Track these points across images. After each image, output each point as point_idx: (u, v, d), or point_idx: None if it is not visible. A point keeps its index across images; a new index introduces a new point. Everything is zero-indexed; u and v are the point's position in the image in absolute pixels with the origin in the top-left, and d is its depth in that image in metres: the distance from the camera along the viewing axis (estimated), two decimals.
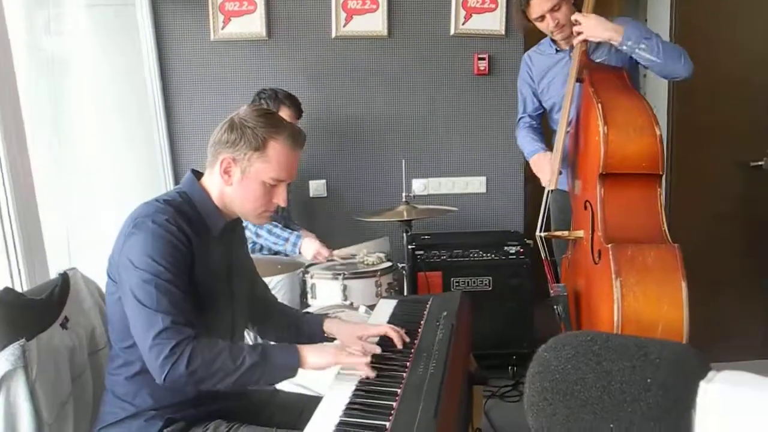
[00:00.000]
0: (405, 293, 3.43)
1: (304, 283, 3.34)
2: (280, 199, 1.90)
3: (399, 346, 1.91)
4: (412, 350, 1.90)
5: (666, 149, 4.16)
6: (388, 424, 1.48)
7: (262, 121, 1.82)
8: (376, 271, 3.28)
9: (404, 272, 3.48)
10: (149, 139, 3.91)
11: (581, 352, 0.95)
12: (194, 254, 1.76)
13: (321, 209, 4.14)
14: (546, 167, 3.07)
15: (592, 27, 2.82)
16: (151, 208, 1.77)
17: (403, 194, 3.36)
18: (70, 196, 3.57)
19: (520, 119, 3.40)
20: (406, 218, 3.30)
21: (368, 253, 3.41)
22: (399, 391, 1.64)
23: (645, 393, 0.90)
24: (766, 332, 3.44)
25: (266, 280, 3.18)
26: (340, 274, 3.19)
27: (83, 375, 2.00)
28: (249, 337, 2.53)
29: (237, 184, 1.84)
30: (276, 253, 3.53)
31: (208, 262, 1.83)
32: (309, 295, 3.29)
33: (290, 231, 3.43)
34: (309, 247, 3.40)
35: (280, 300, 3.23)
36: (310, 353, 1.76)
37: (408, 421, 1.48)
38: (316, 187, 4.16)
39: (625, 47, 2.80)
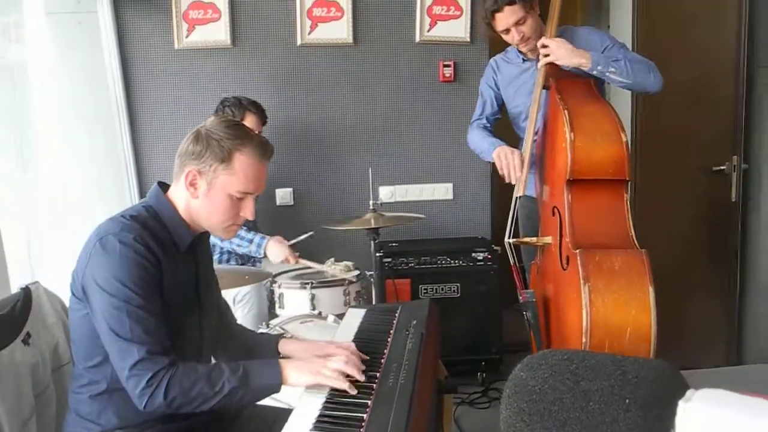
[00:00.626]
0: (374, 301, 3.42)
1: (271, 293, 3.31)
2: (248, 212, 1.86)
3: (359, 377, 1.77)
4: (382, 360, 1.88)
5: (632, 156, 4.24)
6: None
7: (229, 132, 1.79)
8: (344, 279, 3.26)
9: (372, 280, 3.47)
10: (113, 149, 3.86)
11: (558, 372, 0.94)
12: (162, 271, 1.73)
13: (288, 218, 4.11)
14: (515, 158, 3.00)
15: (561, 54, 2.83)
16: (117, 225, 1.73)
17: (370, 202, 3.35)
18: (32, 207, 3.51)
19: (475, 120, 3.37)
20: (373, 226, 3.30)
21: (335, 262, 3.39)
22: (369, 402, 1.63)
23: (624, 413, 0.90)
24: (729, 336, 3.48)
25: (233, 291, 3.20)
26: (308, 284, 3.17)
27: (46, 391, 1.96)
28: None
29: (203, 196, 1.81)
30: (243, 263, 3.51)
31: (177, 277, 1.79)
32: (277, 305, 3.26)
33: (254, 233, 3.39)
34: (277, 251, 3.32)
35: (248, 311, 3.26)
36: (292, 371, 1.72)
37: None
38: (283, 196, 4.13)
39: (595, 72, 2.82)
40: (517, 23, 2.94)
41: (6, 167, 3.41)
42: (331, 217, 3.92)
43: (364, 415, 1.56)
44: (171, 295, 1.76)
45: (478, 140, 3.29)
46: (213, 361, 2.09)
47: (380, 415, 1.54)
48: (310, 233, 3.52)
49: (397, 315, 2.28)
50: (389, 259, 3.74)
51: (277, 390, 1.74)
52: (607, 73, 2.81)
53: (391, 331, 2.12)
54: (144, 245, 1.69)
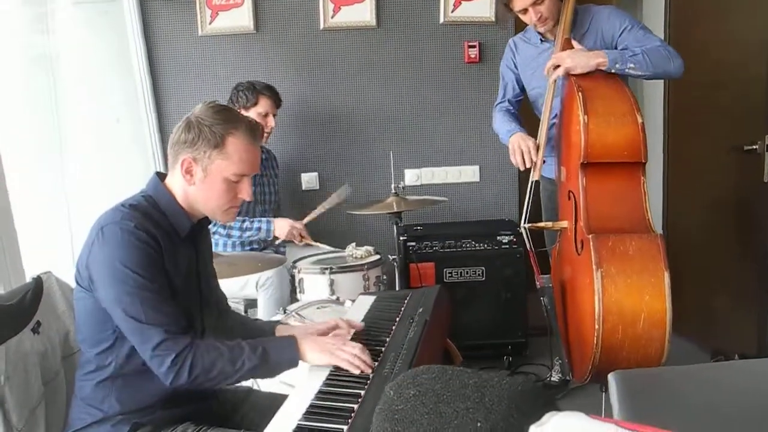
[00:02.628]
0: (397, 286, 3.42)
1: (293, 278, 3.34)
2: (245, 194, 1.89)
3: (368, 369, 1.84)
4: (383, 349, 1.89)
5: (663, 136, 4.17)
6: (345, 428, 1.48)
7: (219, 117, 1.81)
8: (364, 264, 3.27)
9: (395, 264, 3.47)
10: (140, 136, 3.91)
11: (423, 392, 0.93)
12: (164, 257, 1.76)
13: (313, 202, 4.11)
14: (522, 146, 3.01)
15: (575, 63, 2.76)
16: (118, 214, 1.76)
17: (392, 186, 3.35)
18: (73, 194, 3.59)
19: (498, 103, 3.35)
20: (395, 210, 3.29)
21: (356, 247, 3.40)
22: (362, 392, 1.64)
23: None
24: (760, 323, 3.39)
25: (255, 276, 3.23)
26: (327, 269, 3.18)
27: (56, 379, 2.00)
28: None
29: (200, 183, 1.83)
30: (264, 248, 3.55)
31: (178, 264, 1.82)
32: (297, 290, 3.29)
33: (258, 219, 3.46)
34: (282, 226, 3.44)
35: (270, 295, 3.29)
36: (309, 349, 1.80)
37: (365, 426, 1.46)
38: (308, 180, 4.16)
39: (613, 70, 2.75)
40: (534, 3, 2.88)
41: (45, 153, 3.50)
42: (356, 201, 3.92)
43: (355, 406, 1.57)
44: (174, 280, 1.79)
45: (500, 125, 3.27)
46: None
47: (369, 407, 1.53)
48: (345, 188, 3.61)
49: (405, 302, 2.28)
50: (413, 243, 3.73)
51: (295, 365, 1.81)
52: (627, 70, 2.74)
53: (397, 319, 2.13)
54: (145, 231, 1.73)
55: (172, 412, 1.84)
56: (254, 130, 1.86)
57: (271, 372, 1.82)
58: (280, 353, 1.78)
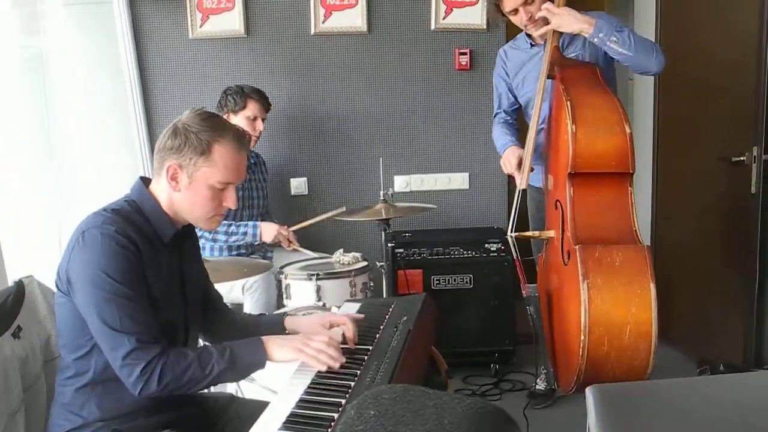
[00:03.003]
0: (384, 293, 3.41)
1: (279, 283, 3.33)
2: (230, 202, 1.88)
3: (352, 337, 1.96)
4: (366, 357, 1.88)
5: (652, 146, 4.18)
6: None
7: (206, 124, 1.80)
8: (351, 271, 3.26)
9: (383, 271, 3.46)
10: (129, 139, 3.89)
11: (382, 413, 0.92)
12: (144, 263, 1.75)
13: (302, 207, 4.12)
14: (511, 160, 3.04)
15: (564, 18, 2.78)
16: (99, 218, 1.76)
17: (381, 192, 3.34)
18: (60, 195, 3.57)
19: (495, 115, 3.36)
20: (384, 217, 3.29)
21: (344, 253, 3.39)
22: (343, 402, 1.62)
23: None
24: (746, 333, 3.40)
25: (241, 281, 3.22)
26: (314, 275, 3.17)
27: (37, 384, 1.98)
28: None
29: (185, 189, 1.83)
30: (251, 253, 3.53)
31: (160, 270, 1.82)
32: (284, 296, 3.28)
33: (245, 224, 3.45)
34: (269, 230, 3.43)
35: (256, 300, 3.28)
36: (275, 348, 1.81)
37: None
38: (297, 185, 4.15)
39: (596, 39, 2.76)
40: (525, 2, 2.88)
41: (35, 155, 3.49)
42: (346, 206, 3.90)
43: (335, 415, 1.56)
44: (154, 286, 1.78)
45: (495, 139, 3.30)
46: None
47: None
48: (343, 209, 3.56)
49: (390, 310, 2.27)
50: (401, 250, 3.72)
51: (263, 366, 1.81)
52: (608, 42, 2.74)
53: (381, 327, 2.11)
54: (125, 237, 1.72)
55: (153, 420, 1.82)
56: (241, 138, 1.85)
57: (241, 374, 1.84)
58: (247, 355, 1.79)
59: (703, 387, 1.44)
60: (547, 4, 2.84)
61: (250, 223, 3.45)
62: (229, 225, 3.41)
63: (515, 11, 2.93)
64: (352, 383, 1.72)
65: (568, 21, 2.77)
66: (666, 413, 1.33)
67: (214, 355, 1.74)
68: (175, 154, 1.80)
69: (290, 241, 3.57)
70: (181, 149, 1.79)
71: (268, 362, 1.81)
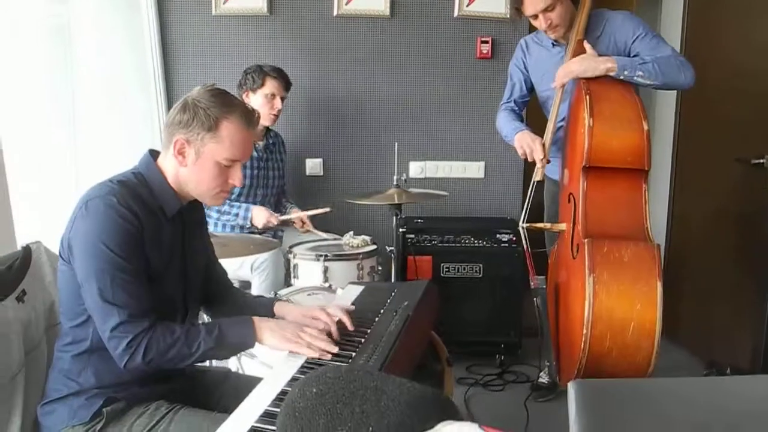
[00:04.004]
0: (393, 277, 3.41)
1: (288, 262, 3.34)
2: (236, 179, 1.89)
3: (350, 327, 1.96)
4: (362, 340, 1.89)
5: (672, 144, 4.14)
6: None
7: (215, 101, 1.80)
8: (359, 254, 3.27)
9: (393, 256, 3.46)
10: (149, 112, 3.91)
11: (324, 392, 0.92)
12: (146, 237, 1.76)
13: (316, 188, 4.13)
14: (527, 148, 3.00)
15: (586, 68, 2.75)
16: (104, 188, 1.77)
17: (395, 177, 3.33)
18: (83, 167, 3.60)
19: (503, 104, 3.32)
20: (396, 202, 3.28)
21: (354, 235, 3.40)
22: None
23: None
24: (756, 337, 3.36)
25: (251, 258, 3.23)
26: (322, 256, 3.18)
27: (38, 348, 1.99)
28: None
29: (191, 165, 1.83)
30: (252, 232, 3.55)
31: (161, 243, 1.82)
32: (292, 275, 3.29)
33: (238, 205, 3.45)
34: (259, 216, 3.42)
35: (264, 279, 3.29)
36: (266, 333, 1.84)
37: None
38: (312, 166, 4.15)
39: (621, 77, 2.72)
40: (545, 10, 2.85)
41: (57, 124, 3.51)
42: (359, 190, 3.92)
43: None
44: (154, 259, 1.79)
45: (503, 124, 3.25)
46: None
47: None
48: (327, 209, 3.55)
49: (392, 294, 2.27)
50: (412, 236, 3.73)
51: (251, 346, 1.86)
52: (635, 78, 2.71)
53: (381, 311, 2.12)
54: (127, 208, 1.73)
55: (148, 390, 1.84)
56: (249, 116, 1.85)
57: (229, 352, 1.88)
58: (236, 336, 1.82)
59: (686, 388, 1.42)
60: (560, 72, 2.84)
61: (243, 205, 3.44)
62: (223, 203, 3.42)
63: (535, 16, 2.91)
64: (346, 365, 1.73)
65: (590, 66, 2.74)
66: (647, 412, 1.32)
67: (201, 333, 1.77)
68: (184, 128, 1.80)
69: (304, 222, 3.59)
70: (190, 124, 1.79)
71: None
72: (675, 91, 4.08)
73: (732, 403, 1.35)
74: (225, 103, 1.82)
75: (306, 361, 1.76)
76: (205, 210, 3.30)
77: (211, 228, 3.48)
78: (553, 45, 3.07)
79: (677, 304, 4.13)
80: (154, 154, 1.91)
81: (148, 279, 1.77)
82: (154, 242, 1.79)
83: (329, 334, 1.90)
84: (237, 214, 3.42)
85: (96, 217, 1.71)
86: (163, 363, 1.73)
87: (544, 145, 2.93)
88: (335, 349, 1.81)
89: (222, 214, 3.42)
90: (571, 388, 1.36)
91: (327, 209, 3.53)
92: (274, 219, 3.43)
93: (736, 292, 3.58)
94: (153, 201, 1.83)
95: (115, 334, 1.69)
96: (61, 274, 1.83)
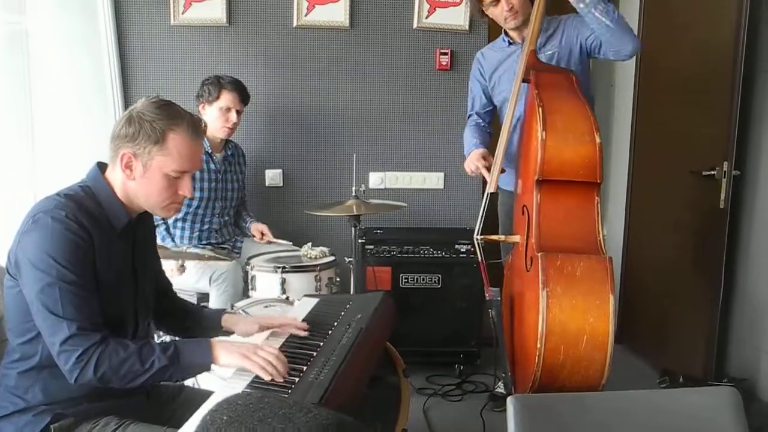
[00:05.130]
0: (352, 288, 3.41)
1: (246, 274, 3.33)
2: (186, 190, 1.87)
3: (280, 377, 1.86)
4: (314, 354, 1.88)
5: (629, 157, 4.20)
6: None
7: (160, 113, 1.79)
8: (317, 265, 3.26)
9: (352, 267, 3.46)
10: (107, 123, 3.86)
11: (233, 420, 0.93)
12: (96, 251, 1.74)
13: (276, 199, 4.12)
14: (474, 161, 3.07)
15: None
16: (51, 203, 1.75)
17: (353, 188, 3.34)
18: (41, 177, 3.57)
19: (468, 116, 3.37)
20: (354, 213, 3.28)
21: (312, 247, 3.40)
22: (285, 396, 1.62)
23: None
24: (709, 345, 3.42)
25: (209, 270, 3.21)
26: (279, 267, 3.17)
27: None
28: None
29: (140, 178, 1.82)
30: (222, 242, 3.54)
31: (110, 258, 1.80)
32: (249, 287, 3.28)
33: None
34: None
35: (223, 291, 3.27)
36: (222, 352, 1.80)
37: None
38: (272, 177, 4.14)
39: (582, 5, 2.74)
40: None
41: (17, 135, 3.48)
42: (319, 200, 3.92)
43: None
44: (104, 275, 1.77)
45: (466, 141, 3.30)
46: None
47: None
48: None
49: (347, 307, 2.27)
50: (371, 246, 3.73)
51: (207, 369, 1.81)
52: (594, 10, 2.73)
53: (335, 324, 2.12)
54: (76, 222, 1.71)
55: (97, 406, 1.81)
56: (196, 127, 1.84)
57: (184, 373, 1.79)
58: (192, 355, 1.77)
59: (626, 401, 1.45)
60: None
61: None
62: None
63: (496, 2, 2.94)
64: (297, 379, 1.73)
65: None
66: (586, 425, 1.34)
67: (156, 351, 1.73)
68: (130, 142, 1.79)
69: (263, 234, 3.59)
70: (136, 138, 1.78)
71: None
72: (631, 104, 4.15)
73: (669, 416, 1.37)
74: (171, 115, 1.80)
75: (257, 376, 1.75)
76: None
77: (183, 241, 3.47)
78: (509, 44, 3.12)
79: (634, 314, 4.19)
80: (102, 166, 1.89)
81: (99, 294, 1.74)
82: (104, 256, 1.77)
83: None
84: None
85: (44, 231, 1.68)
86: (116, 379, 1.69)
87: (486, 157, 3.01)
88: (285, 372, 1.77)
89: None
90: (510, 404, 1.37)
91: (290, 242, 3.57)
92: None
93: (689, 302, 3.64)
94: (101, 214, 1.81)
95: (65, 348, 1.65)
96: (7, 290, 1.80)
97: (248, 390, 1.69)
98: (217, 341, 1.83)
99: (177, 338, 2.06)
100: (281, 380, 1.74)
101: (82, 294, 1.68)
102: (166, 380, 1.77)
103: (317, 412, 0.93)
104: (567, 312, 2.42)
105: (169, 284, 2.20)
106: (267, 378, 1.74)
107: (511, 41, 3.12)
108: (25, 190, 3.46)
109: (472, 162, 3.09)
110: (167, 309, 2.15)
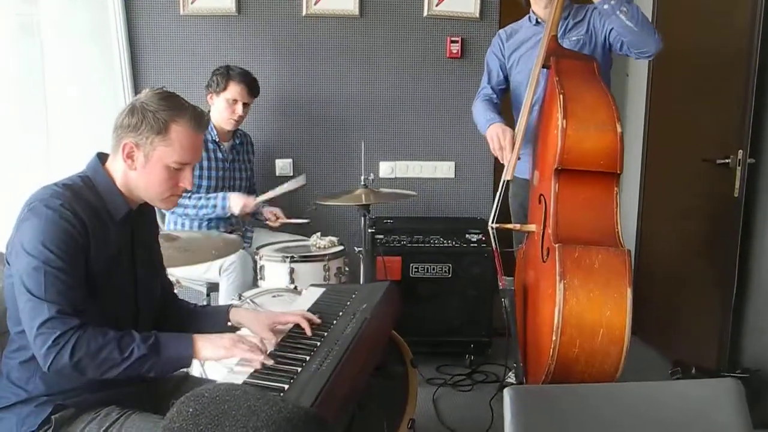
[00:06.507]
0: (361, 278, 3.39)
1: (256, 263, 3.31)
2: (186, 182, 1.86)
3: (308, 333, 1.93)
4: (318, 344, 1.87)
5: (642, 146, 4.15)
6: None
7: (164, 104, 1.79)
8: (325, 255, 3.24)
9: (361, 256, 3.43)
10: (116, 114, 3.86)
11: (199, 412, 0.92)
12: (90, 240, 1.73)
13: None
14: (506, 138, 2.97)
15: None
16: (48, 192, 1.74)
17: (362, 177, 3.31)
18: (48, 165, 3.59)
19: (480, 91, 3.32)
20: (363, 202, 3.26)
21: (321, 236, 3.37)
22: (286, 387, 1.60)
23: None
24: (722, 336, 3.37)
25: (218, 261, 3.19)
26: (288, 257, 3.15)
27: None
28: None
29: (141, 168, 1.81)
30: (232, 230, 3.51)
31: (108, 248, 1.79)
32: (258, 277, 3.26)
33: (214, 196, 3.42)
34: (236, 201, 3.39)
35: (232, 281, 3.26)
36: (204, 345, 1.78)
37: None
38: (282, 166, 4.12)
39: (606, 6, 2.72)
40: None
41: (32, 125, 3.50)
42: (330, 190, 3.90)
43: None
44: (101, 265, 1.76)
45: (478, 114, 3.25)
46: None
47: (293, 401, 1.52)
48: (307, 220, 3.57)
49: (352, 297, 2.25)
50: (381, 236, 3.71)
51: (188, 363, 1.82)
52: (618, 12, 2.71)
53: (340, 313, 2.10)
54: (71, 211, 1.70)
55: (98, 396, 1.80)
56: (199, 118, 1.83)
57: (164, 366, 1.74)
58: (172, 348, 1.74)
59: (623, 393, 1.42)
60: None
61: (219, 194, 3.41)
62: (199, 198, 3.38)
63: None
64: (299, 369, 1.71)
65: None
66: (583, 417, 1.31)
67: (136, 340, 1.70)
68: (132, 132, 1.78)
69: (277, 217, 3.56)
70: (138, 128, 1.77)
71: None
72: (644, 93, 4.10)
73: (666, 409, 1.35)
74: (174, 107, 1.80)
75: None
76: (183, 207, 3.30)
77: (192, 226, 3.46)
78: (537, 23, 3.10)
79: (647, 304, 4.13)
80: (102, 157, 1.88)
81: (96, 285, 1.74)
82: (101, 245, 1.75)
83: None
84: (215, 206, 3.39)
85: (38, 218, 1.67)
86: (93, 367, 1.65)
87: (514, 139, 2.92)
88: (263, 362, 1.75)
89: (199, 208, 3.38)
90: (507, 395, 1.35)
91: (303, 176, 3.49)
92: (251, 202, 3.41)
93: (703, 293, 3.59)
94: (100, 204, 1.80)
95: (42, 331, 1.62)
96: (7, 278, 1.78)
97: (241, 381, 1.66)
98: (199, 336, 1.80)
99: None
100: (259, 366, 1.73)
101: (68, 281, 1.66)
102: (144, 373, 1.72)
103: (283, 406, 0.91)
104: (584, 305, 2.37)
105: (170, 283, 2.19)
106: (257, 363, 1.73)
107: (539, 20, 3.08)
108: (40, 180, 3.47)
109: (503, 135, 2.98)
110: (167, 309, 2.12)
